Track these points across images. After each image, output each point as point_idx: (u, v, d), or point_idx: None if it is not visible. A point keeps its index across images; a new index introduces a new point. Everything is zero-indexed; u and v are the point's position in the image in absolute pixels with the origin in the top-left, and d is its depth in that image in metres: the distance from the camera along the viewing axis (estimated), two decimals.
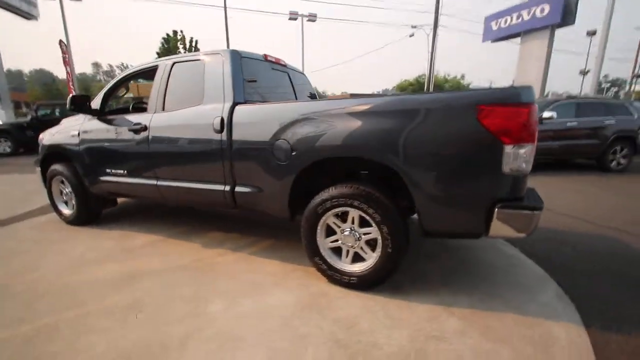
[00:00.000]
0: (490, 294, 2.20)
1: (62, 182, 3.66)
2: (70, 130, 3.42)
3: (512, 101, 1.70)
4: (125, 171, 3.10)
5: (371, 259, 2.17)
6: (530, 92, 1.73)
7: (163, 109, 2.86)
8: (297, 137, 2.19)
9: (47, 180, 3.67)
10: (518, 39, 19.55)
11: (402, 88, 38.37)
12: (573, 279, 2.40)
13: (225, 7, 17.02)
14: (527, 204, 1.78)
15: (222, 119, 2.48)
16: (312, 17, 20.04)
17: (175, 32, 28.21)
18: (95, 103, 3.24)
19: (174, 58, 2.91)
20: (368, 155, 2.00)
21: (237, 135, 2.45)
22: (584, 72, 31.86)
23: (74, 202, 3.58)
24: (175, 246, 3.03)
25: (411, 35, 22.39)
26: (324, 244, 2.29)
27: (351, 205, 2.10)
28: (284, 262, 2.67)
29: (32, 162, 4.40)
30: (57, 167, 3.55)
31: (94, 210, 3.65)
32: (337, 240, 2.27)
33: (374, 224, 2.07)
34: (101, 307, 2.06)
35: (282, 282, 2.35)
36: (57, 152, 3.60)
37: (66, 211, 3.71)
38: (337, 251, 2.31)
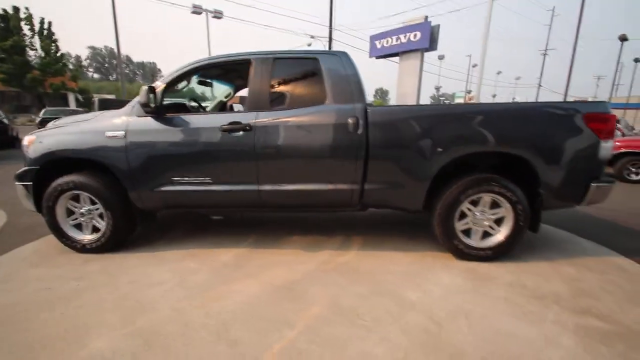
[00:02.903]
0: (559, 248, 3.02)
1: (75, 199, 2.79)
2: (105, 130, 2.67)
3: (605, 111, 2.50)
4: (209, 178, 2.67)
5: (499, 233, 2.67)
6: (609, 105, 2.57)
7: (269, 107, 2.64)
8: (444, 135, 2.51)
9: (49, 199, 2.72)
10: (396, 58, 23.26)
11: None
12: (585, 233, 3.49)
13: None
14: (608, 179, 2.63)
15: (357, 119, 2.54)
16: (217, 14, 18.90)
17: (16, 9, 21.75)
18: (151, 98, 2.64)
19: (273, 53, 2.70)
20: (511, 149, 2.50)
21: (374, 134, 2.55)
22: (437, 88, 41.25)
23: (101, 222, 2.79)
24: (272, 255, 2.81)
25: (309, 45, 23.86)
26: (458, 227, 2.67)
27: (491, 191, 2.55)
28: (404, 251, 2.89)
29: None
30: (73, 178, 2.68)
31: (130, 230, 2.92)
32: (467, 223, 2.69)
33: (508, 205, 2.57)
34: (310, 320, 1.90)
35: (430, 267, 2.60)
36: (71, 159, 2.73)
37: (83, 236, 2.83)
38: (464, 232, 2.72)
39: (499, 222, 2.68)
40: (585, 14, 21.60)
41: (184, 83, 2.96)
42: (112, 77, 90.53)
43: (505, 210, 2.61)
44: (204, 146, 2.64)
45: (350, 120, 2.54)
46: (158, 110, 2.63)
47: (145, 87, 2.45)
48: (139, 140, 2.64)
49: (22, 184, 2.78)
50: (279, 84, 2.71)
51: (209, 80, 3.51)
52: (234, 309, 2.01)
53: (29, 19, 22.35)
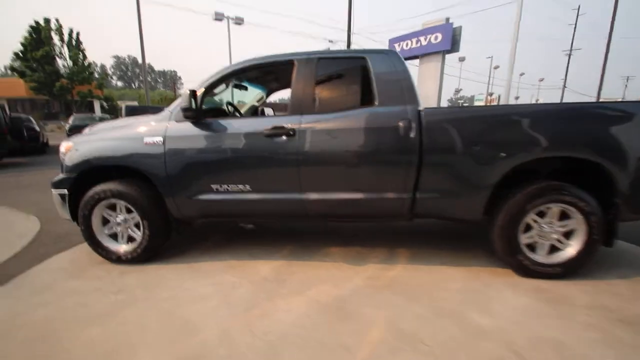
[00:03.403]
0: (630, 262, 2.69)
1: (111, 207, 2.71)
2: (144, 136, 2.57)
3: None
4: (249, 185, 2.52)
5: (570, 247, 2.39)
6: None
7: (314, 110, 2.47)
8: (508, 139, 2.27)
9: (85, 207, 2.64)
10: (416, 61, 22.87)
11: None
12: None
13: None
14: None
15: (410, 122, 2.34)
16: (238, 21, 19.18)
17: (47, 21, 22.76)
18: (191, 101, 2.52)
19: (317, 53, 2.54)
20: (585, 154, 2.23)
21: (429, 138, 2.34)
22: (457, 90, 40.59)
23: (137, 232, 2.69)
24: (314, 269, 2.62)
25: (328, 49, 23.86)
26: (523, 240, 2.41)
27: (562, 201, 2.28)
28: (456, 266, 2.64)
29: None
30: (110, 187, 2.60)
31: (165, 240, 2.81)
32: (531, 236, 2.42)
33: (581, 216, 2.29)
34: (372, 346, 1.70)
35: (490, 284, 2.35)
36: (109, 167, 2.65)
37: (118, 247, 2.73)
38: (528, 246, 2.45)
39: (568, 235, 2.41)
40: (609, 13, 20.66)
41: (222, 86, 2.84)
42: (135, 85, 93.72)
43: (577, 222, 2.33)
44: (244, 152, 2.50)
45: (401, 124, 2.34)
46: (198, 115, 2.51)
47: (187, 91, 2.34)
48: (178, 147, 2.53)
49: (59, 192, 2.72)
50: (324, 85, 2.55)
51: (244, 84, 3.39)
52: (283, 330, 1.83)
53: (59, 30, 23.33)
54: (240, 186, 2.53)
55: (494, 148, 2.28)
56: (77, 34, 24.23)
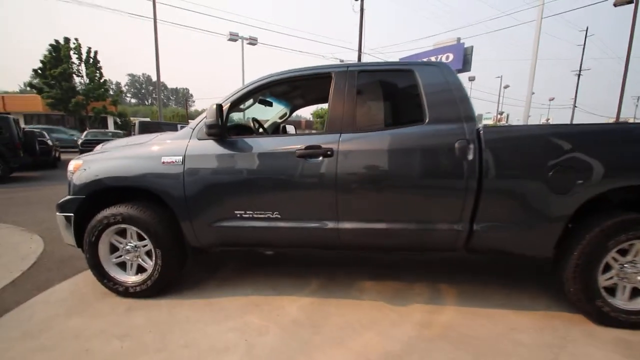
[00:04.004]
0: None
1: (120, 233, 2.41)
2: (162, 155, 2.30)
3: None
4: (277, 212, 2.21)
5: None
6: None
7: (354, 128, 2.18)
8: (587, 163, 1.92)
9: (92, 233, 2.35)
10: None
11: (320, 115, 40.26)
12: None
13: (155, 19, 14.94)
14: None
15: (467, 142, 2.03)
16: (252, 41, 19.48)
17: (67, 40, 23.40)
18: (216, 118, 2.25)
19: (357, 65, 2.29)
20: None
21: (490, 161, 2.02)
22: None
23: (148, 262, 2.38)
24: (351, 310, 2.26)
25: None
26: (602, 282, 2.03)
27: None
28: (517, 310, 2.25)
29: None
30: (121, 211, 2.30)
31: (178, 272, 2.49)
32: (611, 277, 2.04)
33: None
34: None
35: (567, 336, 1.95)
36: (119, 188, 2.38)
37: (127, 278, 2.42)
38: (606, 289, 2.07)
39: None
40: (621, 32, 20.42)
41: (249, 102, 2.58)
42: (148, 102, 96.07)
43: None
44: (273, 174, 2.20)
45: (457, 144, 2.03)
46: (223, 132, 2.24)
47: (214, 106, 2.07)
48: (199, 167, 2.25)
49: (64, 215, 2.44)
50: (366, 101, 2.27)
51: (269, 99, 3.14)
52: None
53: (78, 48, 23.97)
54: (268, 213, 2.22)
55: (569, 173, 1.93)
56: (95, 52, 24.86)
